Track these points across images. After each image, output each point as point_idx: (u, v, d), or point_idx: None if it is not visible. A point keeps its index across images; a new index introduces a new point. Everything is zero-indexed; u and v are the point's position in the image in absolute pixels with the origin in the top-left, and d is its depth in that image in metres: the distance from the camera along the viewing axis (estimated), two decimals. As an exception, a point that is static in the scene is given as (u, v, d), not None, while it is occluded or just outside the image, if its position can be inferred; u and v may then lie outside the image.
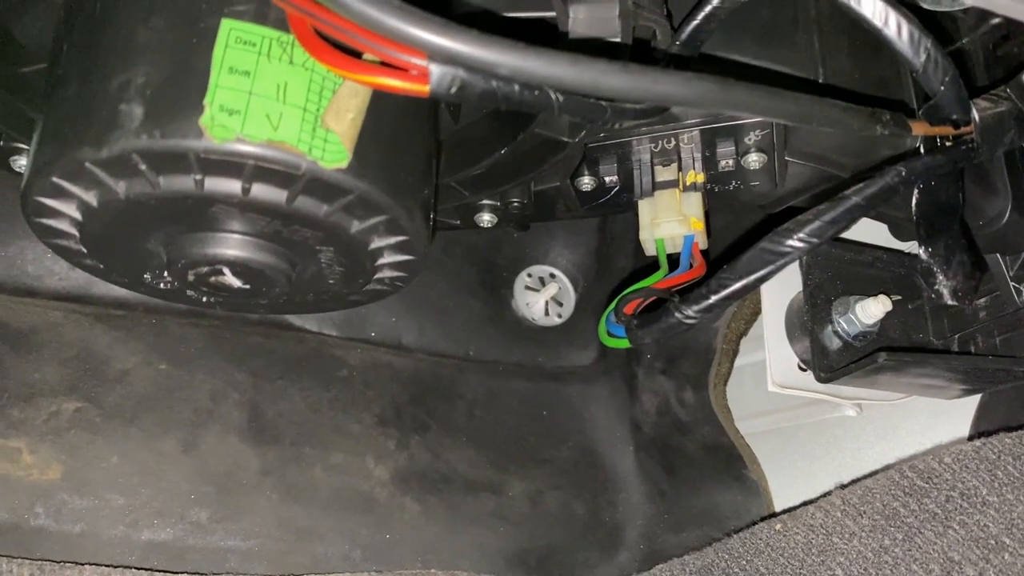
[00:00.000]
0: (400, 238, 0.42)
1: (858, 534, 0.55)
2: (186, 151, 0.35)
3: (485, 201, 0.59)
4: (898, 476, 0.55)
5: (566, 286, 0.85)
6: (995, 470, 0.51)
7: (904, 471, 0.55)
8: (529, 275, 0.85)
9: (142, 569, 0.58)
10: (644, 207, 0.57)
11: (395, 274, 0.45)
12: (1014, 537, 0.48)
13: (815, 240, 0.42)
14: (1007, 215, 0.52)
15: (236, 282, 0.42)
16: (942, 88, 0.41)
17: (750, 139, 0.55)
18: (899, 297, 0.59)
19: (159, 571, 0.59)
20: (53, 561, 0.55)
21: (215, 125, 0.35)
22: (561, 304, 0.85)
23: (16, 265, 0.65)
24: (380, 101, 0.39)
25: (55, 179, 0.38)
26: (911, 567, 0.52)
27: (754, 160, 0.54)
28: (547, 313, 0.84)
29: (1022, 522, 0.49)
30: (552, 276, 0.85)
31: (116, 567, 0.57)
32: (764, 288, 0.62)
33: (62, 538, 0.59)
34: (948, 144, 0.44)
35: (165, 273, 0.44)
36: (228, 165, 0.36)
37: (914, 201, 0.45)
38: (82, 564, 0.56)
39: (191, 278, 0.42)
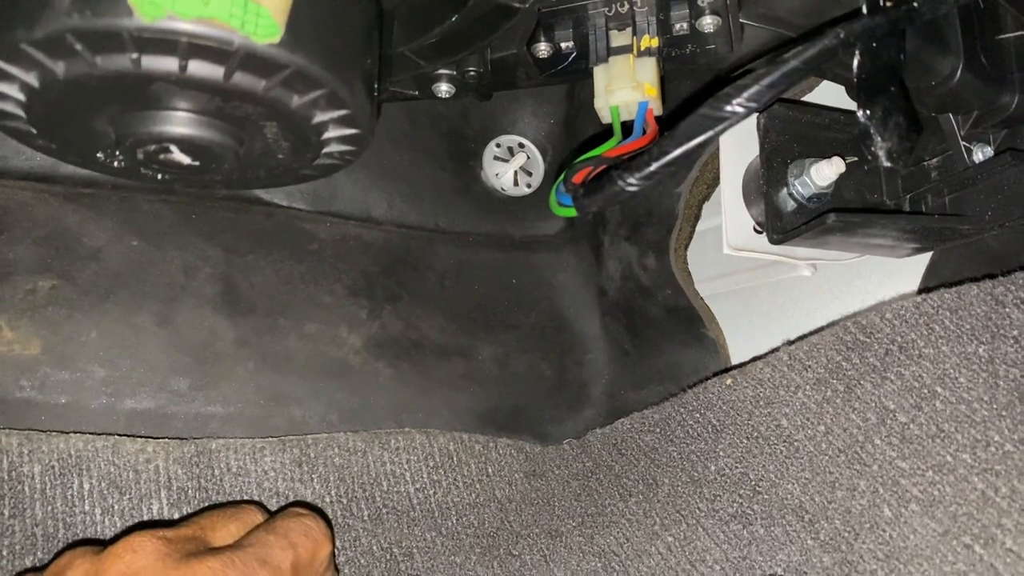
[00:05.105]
0: (342, 111, 0.42)
1: (803, 387, 0.58)
2: (118, 29, 0.35)
3: (442, 71, 0.58)
4: (842, 332, 0.57)
5: (535, 155, 0.85)
6: (932, 324, 0.53)
7: (848, 327, 0.57)
8: (498, 145, 0.84)
9: (127, 436, 0.60)
10: (599, 74, 0.56)
11: (342, 148, 0.46)
12: (946, 386, 0.51)
13: (754, 104, 0.43)
14: (959, 74, 0.52)
15: (185, 159, 0.43)
16: (881, -55, 0.41)
17: (703, 1, 0.54)
18: (855, 159, 0.59)
19: (143, 437, 0.61)
20: (40, 431, 0.58)
21: (144, 3, 0.35)
22: (530, 174, 0.85)
23: (-19, 147, 0.65)
24: (314, -27, 0.39)
25: (-7, 61, 0.38)
26: (850, 416, 0.54)
27: (708, 23, 0.54)
28: (516, 183, 0.84)
29: (955, 372, 0.51)
30: (521, 146, 0.85)
31: (101, 434, 0.59)
32: (722, 153, 0.63)
33: (48, 409, 0.61)
34: (889, 4, 0.44)
35: (116, 152, 0.45)
36: (162, 43, 0.36)
37: (855, 62, 0.45)
38: (68, 432, 0.59)
39: (141, 156, 0.43)
